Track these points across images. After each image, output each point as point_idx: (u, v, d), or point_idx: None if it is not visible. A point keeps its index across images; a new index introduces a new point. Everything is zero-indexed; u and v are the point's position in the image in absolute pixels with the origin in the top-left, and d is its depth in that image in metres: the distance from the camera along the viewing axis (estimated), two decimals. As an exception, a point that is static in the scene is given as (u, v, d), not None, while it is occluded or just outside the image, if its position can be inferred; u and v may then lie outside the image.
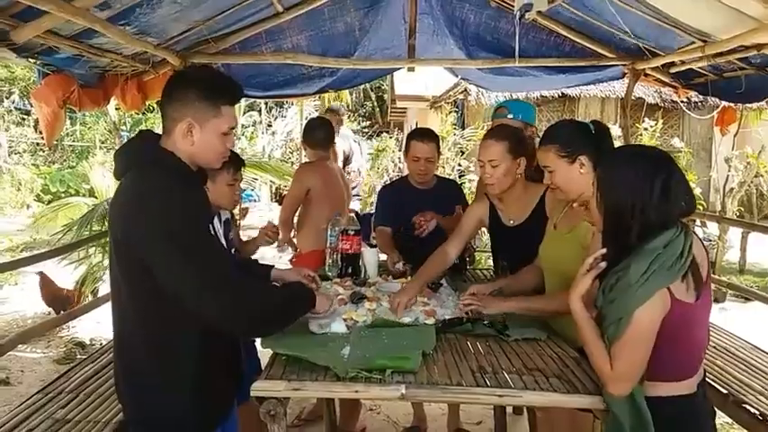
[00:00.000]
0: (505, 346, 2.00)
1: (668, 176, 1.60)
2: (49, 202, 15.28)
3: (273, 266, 2.26)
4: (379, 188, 9.68)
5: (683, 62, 3.86)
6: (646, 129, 7.73)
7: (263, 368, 1.81)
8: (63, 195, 14.36)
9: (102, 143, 17.99)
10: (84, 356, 4.90)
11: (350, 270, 2.80)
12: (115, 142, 17.50)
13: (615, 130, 9.06)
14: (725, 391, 2.46)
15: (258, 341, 1.90)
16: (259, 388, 1.63)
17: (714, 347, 2.93)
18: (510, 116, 2.94)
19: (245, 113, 19.17)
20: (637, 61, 4.18)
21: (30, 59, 2.93)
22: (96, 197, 6.57)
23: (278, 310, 1.81)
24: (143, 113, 19.57)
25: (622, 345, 1.58)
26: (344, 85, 5.19)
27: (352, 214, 2.90)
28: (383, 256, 3.03)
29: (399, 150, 15.30)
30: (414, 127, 16.02)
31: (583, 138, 2.13)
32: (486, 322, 2.14)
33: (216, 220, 2.00)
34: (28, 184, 16.35)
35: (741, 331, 3.36)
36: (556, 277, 2.24)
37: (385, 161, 9.46)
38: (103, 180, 6.32)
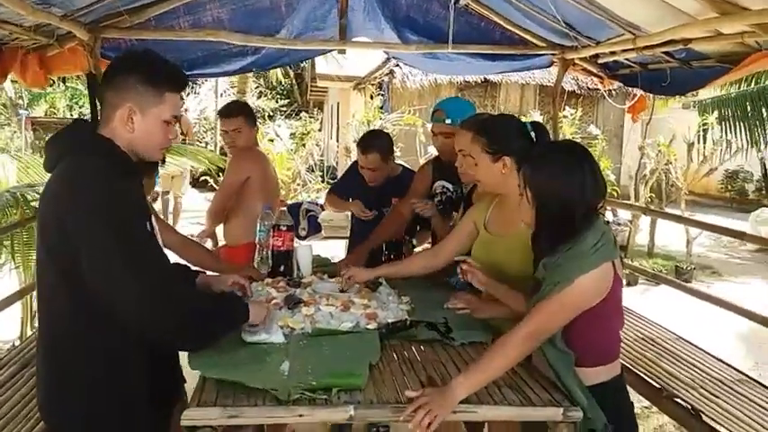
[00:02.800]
0: (451, 351, 1.92)
1: (593, 164, 1.74)
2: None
3: (201, 273, 2.10)
4: (304, 174, 9.56)
5: (612, 53, 3.90)
6: (565, 116, 7.92)
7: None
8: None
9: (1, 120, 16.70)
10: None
11: (281, 269, 2.63)
12: (11, 120, 16.24)
13: (536, 117, 9.31)
14: (657, 386, 2.51)
15: (184, 358, 1.71)
16: (191, 417, 1.46)
17: (641, 338, 2.99)
18: (448, 121, 2.81)
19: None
20: (567, 51, 4.19)
21: None
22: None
23: (212, 322, 1.66)
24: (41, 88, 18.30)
25: (547, 305, 1.63)
26: (270, 65, 4.91)
27: (284, 208, 2.72)
28: (317, 252, 2.91)
29: (319, 131, 15.10)
30: (334, 107, 15.86)
31: (515, 140, 2.10)
32: (427, 324, 2.06)
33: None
34: None
35: (656, 314, 3.49)
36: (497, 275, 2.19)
37: (309, 144, 9.21)
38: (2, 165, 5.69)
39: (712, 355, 2.82)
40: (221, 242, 3.72)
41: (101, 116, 1.64)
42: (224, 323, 1.71)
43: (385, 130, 8.34)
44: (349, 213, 3.62)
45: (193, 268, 2.17)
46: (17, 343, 4.14)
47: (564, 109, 8.11)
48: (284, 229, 2.63)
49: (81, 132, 1.64)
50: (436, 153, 3.10)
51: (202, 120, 18.29)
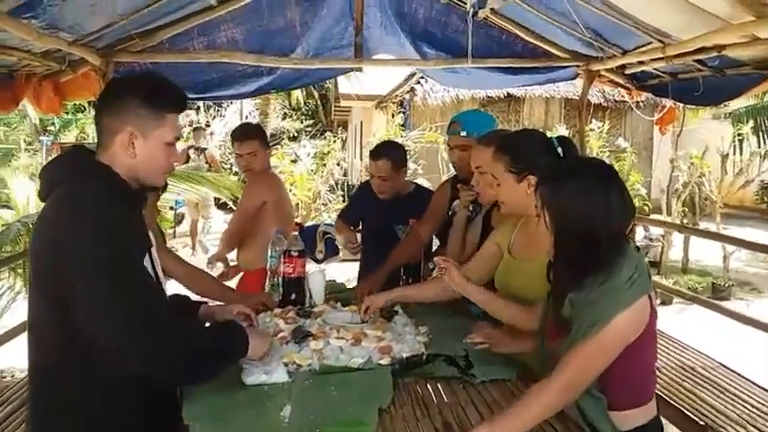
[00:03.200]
0: (471, 390, 1.75)
1: (619, 182, 1.57)
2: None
3: (204, 303, 1.99)
4: (324, 194, 9.47)
5: (640, 63, 3.72)
6: (592, 130, 7.70)
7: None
8: (-18, 202, 13.41)
9: (29, 145, 17.01)
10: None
11: (293, 297, 2.50)
12: (36, 147, 16.53)
13: (562, 131, 9.10)
14: (700, 422, 2.29)
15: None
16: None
17: (679, 366, 2.76)
18: (463, 133, 2.66)
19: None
20: (592, 62, 4.03)
21: None
22: (13, 208, 5.97)
23: (207, 358, 1.54)
24: (74, 113, 18.62)
25: (584, 349, 1.44)
26: (287, 86, 4.84)
27: (296, 233, 2.59)
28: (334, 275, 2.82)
29: (343, 151, 15.01)
30: (357, 127, 15.81)
31: (540, 156, 1.94)
32: (445, 358, 1.90)
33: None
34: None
35: (693, 336, 3.25)
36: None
37: (330, 164, 9.12)
38: (23, 190, 5.73)
39: (760, 386, 2.59)
40: (232, 264, 3.61)
41: (98, 142, 1.55)
42: (220, 359, 1.59)
43: (404, 146, 8.27)
44: (359, 235, 3.50)
45: (196, 298, 2.06)
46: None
47: (591, 122, 7.89)
48: (295, 254, 2.50)
49: (78, 159, 1.56)
50: None
51: (228, 142, 18.38)
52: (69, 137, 19.61)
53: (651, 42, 3.34)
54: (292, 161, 9.42)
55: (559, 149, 1.95)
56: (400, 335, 2.08)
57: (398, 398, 1.68)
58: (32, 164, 16.98)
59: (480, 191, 2.28)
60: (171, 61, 3.83)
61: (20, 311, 4.55)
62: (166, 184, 2.41)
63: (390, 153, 3.14)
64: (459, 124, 2.72)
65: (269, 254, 2.64)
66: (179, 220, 12.87)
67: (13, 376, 4.83)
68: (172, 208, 11.44)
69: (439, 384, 1.79)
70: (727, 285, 6.96)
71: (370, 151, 3.25)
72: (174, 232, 12.35)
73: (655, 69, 3.78)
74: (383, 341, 1.99)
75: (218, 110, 19.80)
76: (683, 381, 2.61)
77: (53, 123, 18.22)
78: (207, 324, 1.93)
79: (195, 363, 1.51)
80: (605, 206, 1.51)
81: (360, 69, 4.31)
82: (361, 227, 3.54)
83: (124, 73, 3.86)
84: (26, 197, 5.58)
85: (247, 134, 3.46)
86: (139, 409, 1.52)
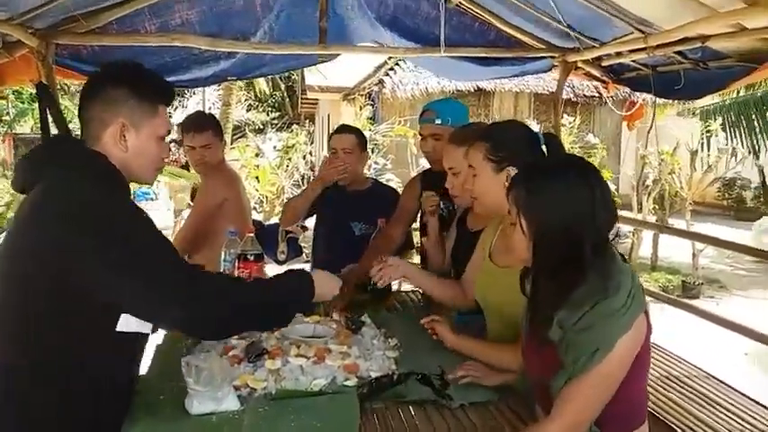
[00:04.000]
0: (448, 416, 1.55)
1: (601, 181, 1.39)
2: None
3: None
4: (288, 189, 9.15)
5: (618, 54, 3.56)
6: (563, 125, 7.60)
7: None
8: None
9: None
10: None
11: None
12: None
13: (533, 127, 8.99)
14: (692, 438, 2.14)
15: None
16: None
17: (664, 376, 2.59)
18: (438, 121, 2.53)
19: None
20: (568, 53, 3.86)
21: None
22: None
23: (258, 310, 1.53)
24: (30, 102, 17.89)
25: (586, 382, 1.25)
26: (247, 74, 4.52)
27: (252, 235, 2.34)
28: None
29: (311, 144, 14.70)
30: (324, 119, 15.54)
31: (522, 147, 1.76)
32: (419, 376, 1.68)
33: None
34: None
35: (668, 338, 3.11)
36: (498, 321, 1.84)
37: (295, 158, 8.83)
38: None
39: (749, 397, 2.45)
40: None
41: (84, 135, 1.49)
42: (276, 309, 1.58)
43: (373, 140, 8.04)
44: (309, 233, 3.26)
45: None
46: None
47: (562, 117, 7.79)
48: (252, 258, 2.26)
49: (69, 146, 1.53)
50: (429, 166, 2.76)
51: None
52: (25, 127, 18.76)
53: (632, 33, 3.18)
54: (255, 154, 9.11)
55: (544, 147, 1.77)
56: (368, 350, 1.86)
57: (366, 427, 1.46)
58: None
59: (456, 193, 2.11)
60: (119, 44, 3.52)
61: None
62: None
63: (356, 131, 3.05)
64: (434, 112, 2.57)
65: (222, 257, 2.40)
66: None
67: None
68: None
69: (412, 409, 1.58)
70: (696, 284, 6.93)
71: (334, 130, 3.13)
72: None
73: (633, 62, 3.63)
74: (349, 358, 1.77)
75: (179, 100, 19.27)
76: (670, 392, 2.44)
77: (8, 113, 17.45)
78: None
79: (245, 316, 1.50)
80: (589, 208, 1.32)
81: (324, 57, 4.05)
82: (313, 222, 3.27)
83: (69, 57, 3.56)
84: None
85: (201, 125, 3.20)
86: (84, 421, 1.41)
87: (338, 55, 4.07)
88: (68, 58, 3.55)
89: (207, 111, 15.89)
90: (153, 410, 1.45)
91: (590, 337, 1.25)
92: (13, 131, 17.48)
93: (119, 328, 1.39)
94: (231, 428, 1.41)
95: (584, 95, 10.28)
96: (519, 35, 3.84)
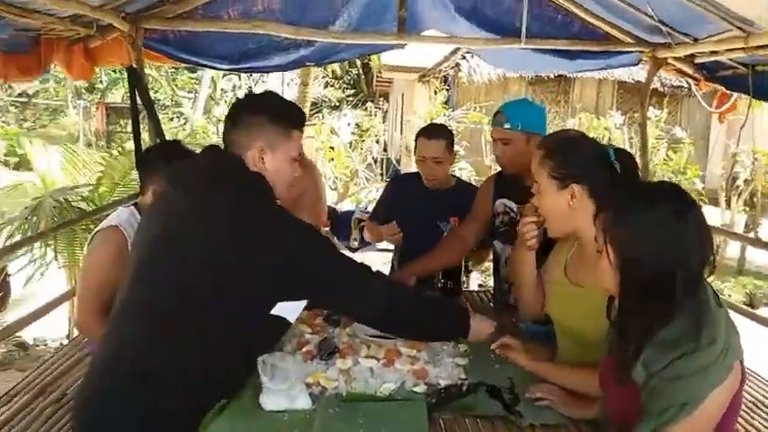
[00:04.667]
0: (516, 432, 1.52)
1: (698, 212, 1.31)
2: (16, 165, 14.55)
3: None
4: (361, 173, 9.21)
5: (713, 52, 3.36)
6: (649, 118, 7.25)
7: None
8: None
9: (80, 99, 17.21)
10: (24, 359, 4.46)
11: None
12: (69, 105, 16.58)
13: (616, 119, 8.63)
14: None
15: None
16: None
17: (752, 402, 2.43)
18: (507, 125, 2.36)
19: (224, 77, 18.34)
20: (658, 49, 3.67)
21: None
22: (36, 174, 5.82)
23: (428, 318, 1.82)
24: (121, 72, 18.69)
25: None
26: (326, 60, 4.53)
27: (327, 228, 2.37)
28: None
29: (383, 123, 14.70)
30: (399, 99, 15.49)
31: (590, 165, 1.68)
32: (488, 388, 1.67)
33: None
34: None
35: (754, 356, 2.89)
36: (569, 339, 1.79)
37: (369, 141, 8.84)
38: (43, 157, 5.61)
39: None
40: None
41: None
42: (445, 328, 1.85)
43: (448, 128, 7.90)
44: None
45: None
46: (65, 342, 4.04)
47: (648, 109, 7.44)
48: (325, 253, 2.28)
49: (233, 162, 1.64)
50: None
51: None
52: (117, 96, 19.59)
53: (731, 30, 2.98)
54: (332, 132, 9.19)
55: (616, 163, 1.67)
56: (438, 355, 1.86)
57: (432, 437, 1.46)
58: (77, 122, 17.17)
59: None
60: (203, 29, 3.61)
61: (49, 281, 4.51)
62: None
63: (445, 133, 2.88)
64: (504, 115, 2.42)
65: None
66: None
67: (46, 345, 4.84)
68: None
69: (480, 422, 1.56)
70: (789, 292, 6.52)
71: (422, 130, 2.90)
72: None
73: (729, 60, 3.42)
74: (418, 363, 1.78)
75: (260, 77, 19.66)
76: (755, 419, 2.30)
77: (101, 81, 18.27)
78: None
79: (419, 320, 1.78)
80: (683, 242, 1.26)
81: (402, 46, 4.02)
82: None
83: (156, 40, 3.68)
84: (48, 163, 5.47)
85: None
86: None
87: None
88: (156, 42, 3.68)
89: (285, 87, 16.16)
90: (230, 405, 1.50)
91: (678, 389, 1.20)
92: (106, 100, 18.36)
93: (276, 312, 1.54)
94: (302, 427, 1.45)
95: (672, 86, 9.76)
96: (606, 27, 3.69)
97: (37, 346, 4.42)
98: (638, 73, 8.66)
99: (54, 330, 4.74)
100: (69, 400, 2.02)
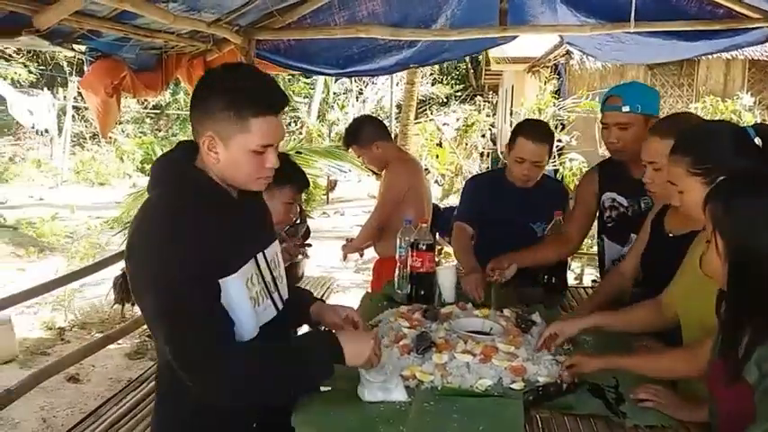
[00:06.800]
0: (620, 434, 1.47)
1: None
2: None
3: (318, 300, 1.88)
4: (465, 168, 9.11)
5: None
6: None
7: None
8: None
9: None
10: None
11: (422, 293, 2.33)
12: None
13: (746, 99, 7.94)
14: None
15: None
16: None
17: None
18: (626, 108, 2.26)
19: (336, 81, 18.88)
20: (791, 22, 3.36)
21: (65, 46, 2.62)
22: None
23: (277, 381, 1.42)
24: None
25: None
26: (429, 60, 4.49)
27: (426, 225, 2.40)
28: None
29: (492, 116, 14.47)
30: (508, 91, 15.17)
31: (731, 150, 1.54)
32: (591, 387, 1.62)
33: (275, 246, 1.65)
34: (129, 154, 16.99)
35: None
36: (698, 334, 1.67)
37: (474, 136, 8.74)
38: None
39: None
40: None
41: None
42: (296, 382, 1.46)
43: (558, 116, 7.65)
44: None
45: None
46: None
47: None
48: (424, 248, 2.32)
49: (173, 164, 1.47)
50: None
51: (379, 109, 18.64)
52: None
53: None
54: (438, 128, 9.19)
55: (757, 140, 1.54)
56: (537, 353, 1.83)
57: (528, 435, 1.45)
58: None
59: (655, 189, 1.95)
60: (309, 37, 3.77)
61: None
62: (308, 184, 2.39)
63: (549, 136, 2.66)
64: (621, 98, 2.32)
65: (398, 244, 2.49)
66: (332, 186, 13.31)
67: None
68: (328, 174, 11.84)
69: (580, 422, 1.52)
70: None
71: (524, 130, 2.62)
72: (328, 198, 12.81)
73: None
74: (516, 359, 1.76)
75: (369, 79, 20.05)
76: None
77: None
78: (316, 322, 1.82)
79: (261, 388, 1.39)
80: None
81: (505, 40, 3.96)
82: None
83: (268, 50, 3.88)
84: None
85: (345, 144, 3.43)
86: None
87: (516, 36, 3.95)
88: (268, 52, 3.88)
89: (394, 88, 16.38)
90: (327, 394, 1.56)
91: None
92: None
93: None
94: (397, 419, 1.48)
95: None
96: (728, 3, 3.42)
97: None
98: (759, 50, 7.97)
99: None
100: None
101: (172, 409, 1.54)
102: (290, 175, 2.22)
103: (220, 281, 1.38)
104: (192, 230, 1.34)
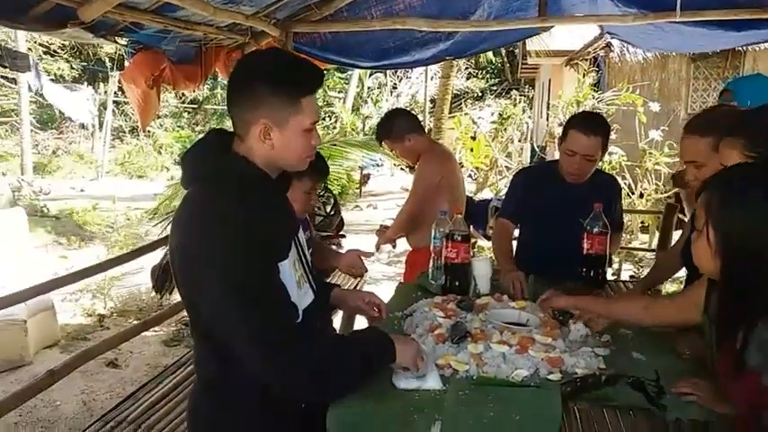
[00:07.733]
0: (659, 428, 1.43)
1: None
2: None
3: (337, 286, 1.91)
4: (500, 162, 9.03)
5: None
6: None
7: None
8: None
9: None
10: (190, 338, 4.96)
11: (456, 284, 2.32)
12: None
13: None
14: None
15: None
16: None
17: None
18: (734, 103, 2.21)
19: (370, 75, 18.92)
20: None
21: (108, 38, 2.68)
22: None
23: (346, 374, 1.46)
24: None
25: None
26: (466, 52, 4.47)
27: (461, 215, 2.39)
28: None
29: (530, 110, 14.29)
30: (545, 84, 14.95)
31: None
32: (631, 379, 1.59)
33: (301, 232, 1.65)
34: (167, 147, 17.33)
35: None
36: None
37: (510, 129, 8.64)
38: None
39: None
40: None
41: (234, 131, 1.45)
42: (361, 375, 1.49)
43: (597, 110, 7.50)
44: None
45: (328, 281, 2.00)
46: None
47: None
48: (459, 239, 2.31)
49: (213, 151, 1.45)
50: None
51: (413, 104, 18.62)
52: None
53: None
54: (473, 122, 9.13)
55: None
56: (574, 344, 1.81)
57: (568, 427, 1.43)
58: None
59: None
60: (346, 30, 3.78)
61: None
62: (328, 171, 2.40)
63: (604, 128, 2.48)
64: (732, 92, 2.28)
65: (432, 235, 2.48)
66: (365, 180, 13.37)
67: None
68: (361, 168, 11.88)
69: (619, 414, 1.50)
70: None
71: (577, 122, 2.49)
72: (360, 192, 12.86)
73: None
74: (553, 351, 1.74)
75: (404, 71, 20.04)
76: None
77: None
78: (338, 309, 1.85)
79: (333, 382, 1.43)
80: None
81: (544, 30, 3.91)
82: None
83: (305, 43, 3.90)
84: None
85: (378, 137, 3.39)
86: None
87: (553, 25, 3.90)
88: (304, 45, 3.91)
89: (429, 82, 16.34)
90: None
91: None
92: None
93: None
94: (432, 408, 1.47)
95: None
96: (778, -10, 3.31)
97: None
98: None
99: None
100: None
101: (217, 400, 1.50)
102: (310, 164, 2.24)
103: (279, 264, 1.41)
104: (251, 217, 1.34)
